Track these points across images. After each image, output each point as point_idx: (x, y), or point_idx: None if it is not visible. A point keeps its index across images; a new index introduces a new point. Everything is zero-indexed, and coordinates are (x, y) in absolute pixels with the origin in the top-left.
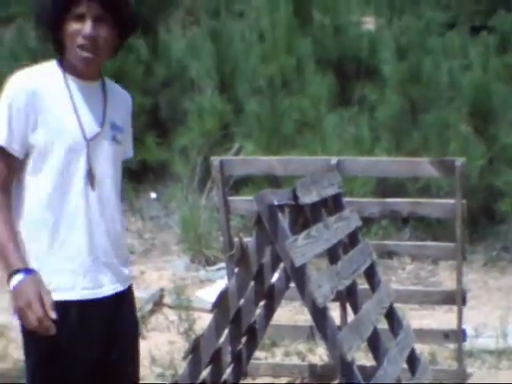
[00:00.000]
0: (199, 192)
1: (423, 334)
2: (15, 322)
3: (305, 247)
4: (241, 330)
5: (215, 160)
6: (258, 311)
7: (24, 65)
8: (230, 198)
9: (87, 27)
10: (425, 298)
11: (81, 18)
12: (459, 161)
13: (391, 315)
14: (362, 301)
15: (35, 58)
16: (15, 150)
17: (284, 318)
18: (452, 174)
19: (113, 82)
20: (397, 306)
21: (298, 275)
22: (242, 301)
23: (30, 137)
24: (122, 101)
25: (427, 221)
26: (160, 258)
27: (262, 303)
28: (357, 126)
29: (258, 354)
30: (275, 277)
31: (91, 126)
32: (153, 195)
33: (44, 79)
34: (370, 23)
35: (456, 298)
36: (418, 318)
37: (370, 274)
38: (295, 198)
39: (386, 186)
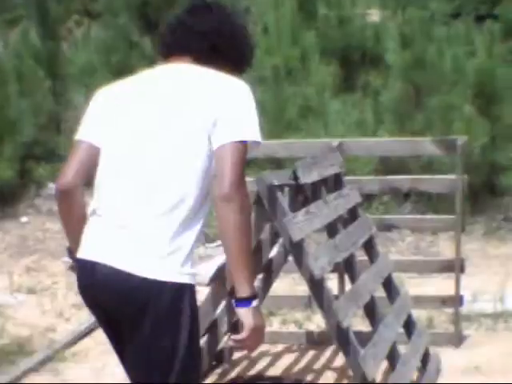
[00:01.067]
0: None
1: (421, 300)
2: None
3: (303, 223)
4: None
5: None
6: (256, 284)
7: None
8: None
9: None
10: (424, 267)
11: None
12: (460, 139)
13: (389, 284)
14: (359, 272)
15: (40, 59)
16: None
17: (282, 290)
18: (454, 152)
19: None
20: (395, 274)
21: (295, 249)
22: None
23: None
24: None
25: (428, 196)
26: None
27: (260, 276)
28: (360, 111)
29: None
30: (274, 251)
31: None
32: None
33: None
34: (375, 15)
35: (455, 266)
36: (416, 285)
37: (369, 247)
38: (295, 178)
39: (388, 166)
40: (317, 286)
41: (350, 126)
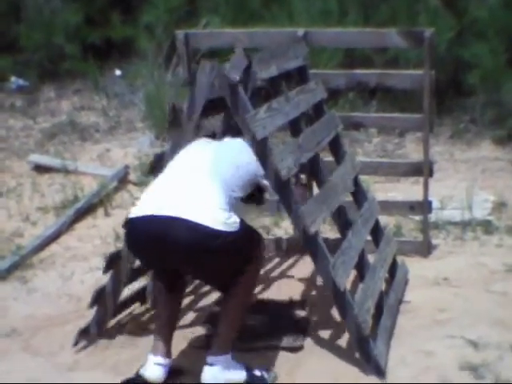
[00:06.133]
0: (165, 69)
1: (389, 206)
2: None
3: (265, 120)
4: None
5: (180, 33)
6: None
7: None
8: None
9: None
10: (391, 170)
11: None
12: (428, 31)
13: (356, 187)
14: (326, 174)
15: None
16: None
17: None
18: (420, 45)
19: None
20: (362, 178)
21: (260, 148)
22: None
23: None
24: None
25: (394, 93)
26: (125, 135)
27: None
28: (324, 0)
29: None
30: None
31: None
32: (117, 72)
33: None
34: None
35: (423, 170)
36: (383, 190)
37: (335, 147)
38: (252, 73)
39: (354, 59)
40: (284, 187)
41: (314, 16)
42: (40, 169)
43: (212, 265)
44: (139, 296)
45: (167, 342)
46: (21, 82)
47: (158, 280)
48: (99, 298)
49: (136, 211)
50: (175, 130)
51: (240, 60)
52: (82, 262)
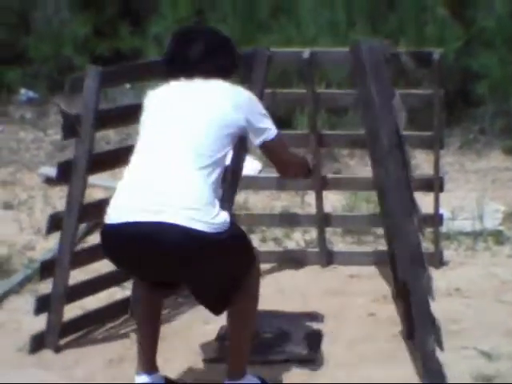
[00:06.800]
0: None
1: None
2: None
3: None
4: None
5: None
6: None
7: None
8: None
9: None
10: None
11: None
12: (436, 53)
13: None
14: None
15: None
16: None
17: (261, 205)
18: (429, 66)
19: None
20: None
21: None
22: None
23: None
24: None
25: None
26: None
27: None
28: (332, 10)
29: None
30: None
31: None
32: (127, 84)
33: None
34: None
35: (434, 185)
36: None
37: None
38: None
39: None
40: None
41: (322, 27)
42: (51, 181)
43: (207, 271)
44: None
45: (152, 354)
46: (31, 94)
47: (141, 286)
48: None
49: (115, 216)
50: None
51: None
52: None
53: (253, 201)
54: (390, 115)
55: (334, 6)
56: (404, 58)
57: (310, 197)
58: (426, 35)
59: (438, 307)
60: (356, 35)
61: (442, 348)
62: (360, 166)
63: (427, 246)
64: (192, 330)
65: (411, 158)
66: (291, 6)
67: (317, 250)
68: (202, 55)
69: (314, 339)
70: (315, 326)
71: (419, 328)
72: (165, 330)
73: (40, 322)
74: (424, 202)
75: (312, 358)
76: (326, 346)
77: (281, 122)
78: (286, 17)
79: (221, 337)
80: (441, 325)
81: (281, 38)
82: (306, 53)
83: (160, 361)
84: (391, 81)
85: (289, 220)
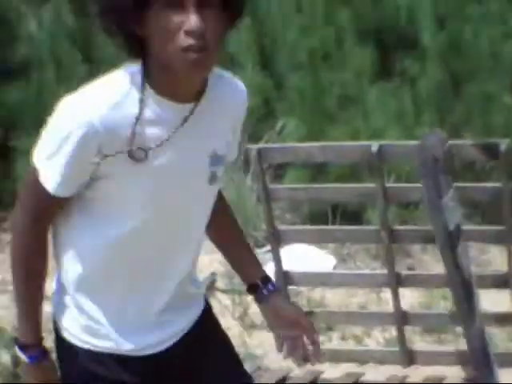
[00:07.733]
0: (244, 172)
1: None
2: None
3: None
4: None
5: (253, 149)
6: None
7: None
8: (271, 187)
9: (192, 19)
10: (478, 282)
11: (176, 4)
12: (503, 143)
13: None
14: None
15: (74, 39)
16: None
17: (337, 303)
18: (496, 158)
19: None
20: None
21: None
22: None
23: None
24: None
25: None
26: (210, 241)
27: None
28: (399, 100)
29: None
30: None
31: None
32: None
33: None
34: None
35: (510, 282)
36: None
37: None
38: None
39: None
40: None
41: (390, 117)
42: None
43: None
44: None
45: None
46: None
47: None
48: None
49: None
50: None
51: None
52: None
53: (328, 297)
54: (440, 214)
55: (400, 96)
56: (470, 149)
57: (386, 294)
58: (493, 124)
59: None
60: (423, 127)
61: None
62: (434, 262)
63: (507, 345)
64: None
65: (483, 253)
66: (358, 96)
67: (397, 349)
68: None
69: None
70: None
71: None
72: None
73: None
74: (499, 299)
75: None
76: None
77: (351, 217)
78: (354, 107)
79: None
80: None
81: (347, 129)
82: (375, 146)
83: None
84: (453, 175)
85: (367, 318)
